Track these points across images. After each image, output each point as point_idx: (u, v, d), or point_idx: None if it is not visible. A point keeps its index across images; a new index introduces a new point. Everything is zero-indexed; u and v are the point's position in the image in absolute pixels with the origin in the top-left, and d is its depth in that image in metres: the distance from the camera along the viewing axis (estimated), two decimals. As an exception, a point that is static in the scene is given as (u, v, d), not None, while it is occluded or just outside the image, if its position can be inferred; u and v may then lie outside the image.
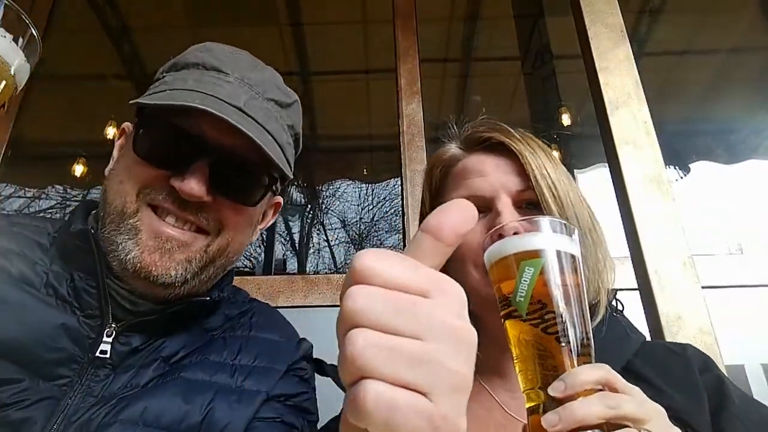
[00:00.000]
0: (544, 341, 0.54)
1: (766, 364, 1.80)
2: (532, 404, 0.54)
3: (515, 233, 0.58)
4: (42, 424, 0.71)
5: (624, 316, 0.89)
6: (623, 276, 1.68)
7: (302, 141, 0.99)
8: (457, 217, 0.40)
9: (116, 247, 0.79)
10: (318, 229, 5.76)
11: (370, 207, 5.81)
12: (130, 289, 0.83)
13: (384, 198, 5.73)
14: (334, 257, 5.72)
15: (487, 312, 0.76)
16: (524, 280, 0.55)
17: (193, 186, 0.77)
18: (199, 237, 0.83)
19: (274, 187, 0.91)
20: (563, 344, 0.53)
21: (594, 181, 3.46)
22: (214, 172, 0.80)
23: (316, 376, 0.98)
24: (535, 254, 0.56)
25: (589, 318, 0.56)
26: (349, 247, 5.78)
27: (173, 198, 0.79)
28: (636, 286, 1.77)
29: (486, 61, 4.35)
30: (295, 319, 1.04)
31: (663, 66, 4.03)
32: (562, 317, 0.53)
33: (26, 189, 4.87)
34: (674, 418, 0.54)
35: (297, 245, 5.71)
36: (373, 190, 5.76)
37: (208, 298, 0.88)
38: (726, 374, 0.81)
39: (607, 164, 2.03)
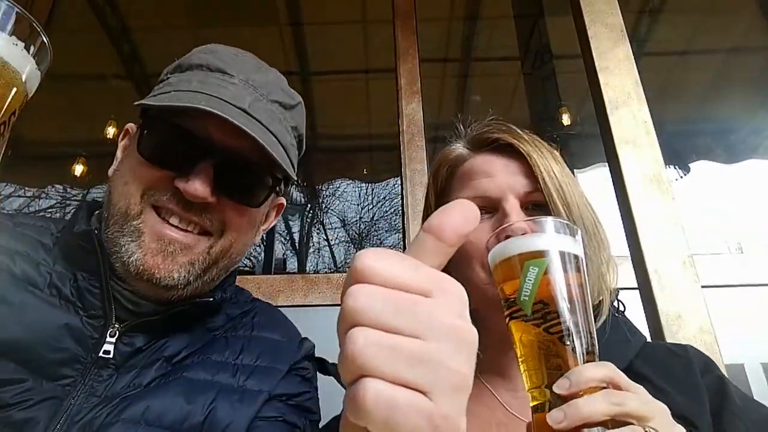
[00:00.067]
0: (548, 341, 0.54)
1: (766, 363, 1.80)
2: (537, 403, 0.54)
3: (522, 234, 0.59)
4: (45, 424, 0.71)
5: (625, 316, 0.89)
6: (623, 276, 1.68)
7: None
8: (459, 217, 0.40)
9: (119, 249, 0.79)
10: (318, 229, 5.77)
11: (370, 206, 5.82)
12: (132, 291, 0.83)
13: (384, 197, 5.74)
14: (334, 256, 5.73)
15: (491, 312, 0.76)
16: (528, 280, 0.55)
17: (198, 187, 0.78)
18: (202, 239, 0.83)
19: (277, 189, 0.91)
20: (567, 343, 0.53)
21: (594, 180, 3.46)
22: (218, 173, 0.80)
23: (319, 375, 0.98)
24: (539, 255, 0.56)
25: (592, 318, 0.56)
26: (349, 246, 5.79)
27: (177, 199, 0.80)
28: (636, 286, 1.78)
29: (486, 61, 4.35)
30: (295, 318, 1.04)
31: (663, 66, 4.04)
32: (566, 317, 0.54)
33: (26, 189, 4.87)
34: (677, 416, 0.54)
35: (297, 244, 5.71)
36: (373, 190, 5.77)
37: (211, 299, 0.88)
38: (726, 374, 0.81)
39: (607, 164, 2.04)
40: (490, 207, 0.82)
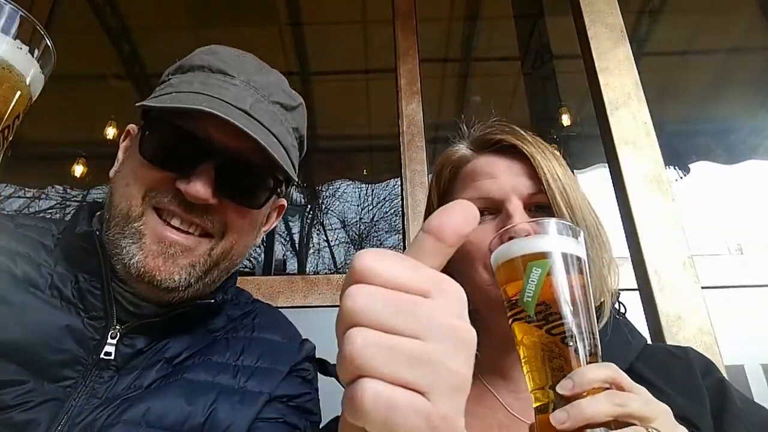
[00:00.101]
0: (551, 342, 0.54)
1: (766, 364, 1.80)
2: (540, 404, 0.54)
3: (526, 235, 0.59)
4: (46, 425, 0.71)
5: (626, 318, 0.90)
6: (623, 276, 1.68)
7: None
8: (459, 217, 0.40)
9: (120, 251, 0.79)
10: (318, 230, 5.77)
11: (370, 207, 5.82)
12: (134, 292, 0.83)
13: (384, 198, 5.75)
14: (334, 257, 5.73)
15: (494, 313, 0.76)
16: (532, 281, 0.55)
17: (199, 188, 0.78)
18: (203, 241, 0.83)
19: (278, 190, 0.91)
20: (570, 344, 0.53)
21: (594, 181, 3.46)
22: (219, 175, 0.80)
23: (320, 376, 0.99)
24: (542, 256, 0.56)
25: (595, 319, 0.56)
26: (349, 247, 5.79)
27: (179, 200, 0.80)
28: (636, 286, 1.78)
29: (486, 61, 4.35)
30: (294, 319, 1.04)
31: (663, 66, 4.04)
32: (569, 318, 0.54)
33: (26, 189, 4.87)
34: (679, 417, 0.55)
35: (297, 245, 5.71)
36: (373, 191, 5.77)
37: (212, 301, 0.88)
38: (726, 375, 0.82)
39: (606, 164, 2.04)
40: (493, 208, 0.82)
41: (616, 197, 1.94)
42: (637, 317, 1.68)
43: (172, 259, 0.80)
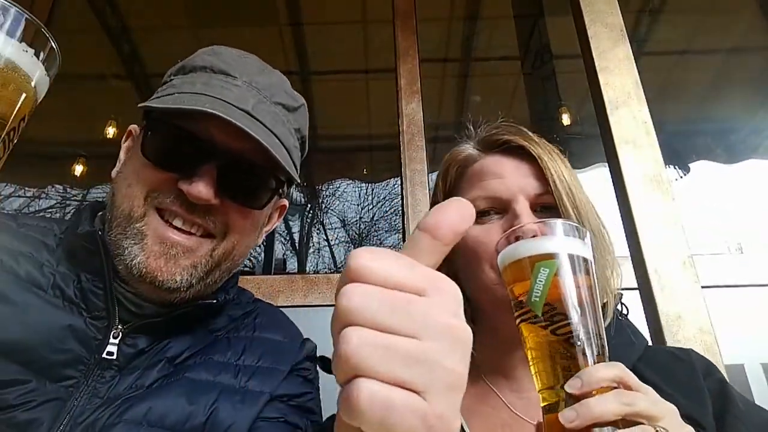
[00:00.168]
0: (559, 342, 0.55)
1: (766, 363, 1.80)
2: (548, 403, 0.55)
3: (533, 236, 0.59)
4: (48, 425, 0.72)
5: (628, 319, 0.90)
6: (623, 276, 1.69)
7: (303, 142, 1.00)
8: (455, 215, 0.40)
9: (122, 252, 0.80)
10: (318, 229, 5.77)
11: (370, 207, 5.82)
12: (135, 293, 0.83)
13: (384, 198, 5.74)
14: (333, 257, 5.73)
15: (500, 312, 0.76)
16: (539, 281, 0.55)
17: (201, 189, 0.78)
18: (205, 241, 0.83)
19: (280, 190, 0.91)
20: (578, 344, 0.54)
21: (594, 181, 3.46)
22: (221, 175, 0.80)
23: (321, 374, 0.99)
24: (549, 257, 0.57)
25: (602, 319, 0.57)
26: (348, 246, 5.78)
27: (181, 201, 0.80)
28: (636, 286, 1.78)
29: (486, 61, 4.35)
30: (295, 318, 1.04)
31: (663, 66, 4.04)
32: (577, 318, 0.54)
33: (26, 189, 4.87)
34: (684, 417, 0.55)
35: (297, 245, 5.71)
36: (372, 190, 5.77)
37: (214, 301, 0.88)
38: (726, 375, 0.82)
39: (607, 164, 2.04)
40: (500, 208, 0.83)
41: (616, 197, 1.94)
42: (637, 317, 1.68)
43: (173, 260, 0.80)
